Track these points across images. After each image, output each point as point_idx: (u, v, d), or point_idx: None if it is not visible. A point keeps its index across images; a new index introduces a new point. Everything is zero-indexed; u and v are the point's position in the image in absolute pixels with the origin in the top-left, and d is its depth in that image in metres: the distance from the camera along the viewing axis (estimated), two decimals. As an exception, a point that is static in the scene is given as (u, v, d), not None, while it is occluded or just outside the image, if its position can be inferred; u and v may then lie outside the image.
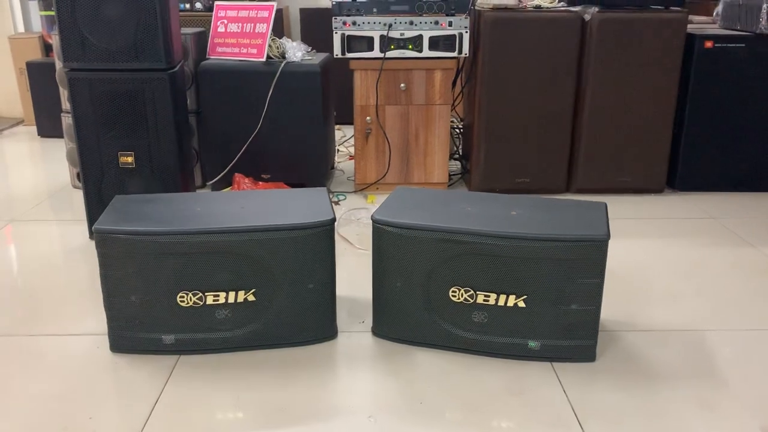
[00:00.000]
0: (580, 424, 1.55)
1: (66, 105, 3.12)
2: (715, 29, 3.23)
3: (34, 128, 4.33)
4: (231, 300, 1.76)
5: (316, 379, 1.71)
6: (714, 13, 3.37)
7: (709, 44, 3.00)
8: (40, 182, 3.37)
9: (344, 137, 4.09)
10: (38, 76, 4.13)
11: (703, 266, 2.40)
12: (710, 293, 2.20)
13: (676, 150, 3.14)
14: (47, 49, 4.49)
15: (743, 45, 2.99)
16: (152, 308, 1.75)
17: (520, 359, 1.79)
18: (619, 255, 2.47)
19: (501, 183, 3.11)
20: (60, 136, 3.97)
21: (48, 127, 4.21)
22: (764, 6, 2.92)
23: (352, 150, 3.83)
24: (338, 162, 3.67)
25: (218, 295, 1.75)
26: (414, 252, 1.75)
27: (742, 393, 1.67)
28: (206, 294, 1.75)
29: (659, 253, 2.51)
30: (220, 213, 1.80)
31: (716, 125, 3.09)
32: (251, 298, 1.77)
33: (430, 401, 1.63)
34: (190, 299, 1.74)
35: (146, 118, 2.43)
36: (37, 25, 4.76)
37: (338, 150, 3.82)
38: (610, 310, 2.06)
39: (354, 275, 2.29)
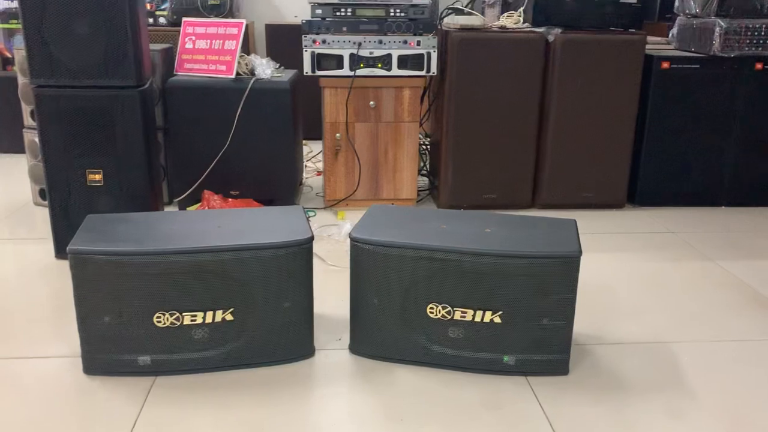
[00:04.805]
0: (556, 436, 1.59)
1: (28, 121, 3.06)
2: (671, 50, 3.36)
3: (-9, 144, 4.22)
4: (208, 320, 1.75)
5: (296, 397, 1.72)
6: (669, 35, 3.50)
7: (665, 65, 3.12)
8: (0, 199, 3.29)
9: (311, 153, 4.09)
10: (-5, 91, 4.03)
11: (665, 280, 2.48)
12: (674, 306, 2.27)
13: (636, 166, 3.25)
14: (4, 63, 4.39)
15: (698, 66, 3.13)
16: (128, 329, 1.73)
17: (496, 374, 1.83)
18: (584, 268, 2.53)
19: (468, 199, 3.16)
20: (19, 151, 3.88)
21: (6, 143, 4.10)
22: (716, 29, 3.06)
23: (319, 166, 3.84)
24: (306, 178, 3.67)
25: (195, 315, 1.74)
26: (392, 269, 1.78)
27: (709, 402, 1.73)
28: (183, 314, 1.73)
29: (623, 267, 2.59)
30: (197, 232, 1.79)
31: (674, 142, 3.21)
32: (229, 317, 1.76)
33: (410, 418, 1.65)
34: (167, 319, 1.73)
35: (115, 136, 2.41)
36: (-7, 38, 4.65)
37: (306, 166, 3.83)
38: (579, 323, 2.11)
39: (327, 292, 2.30)
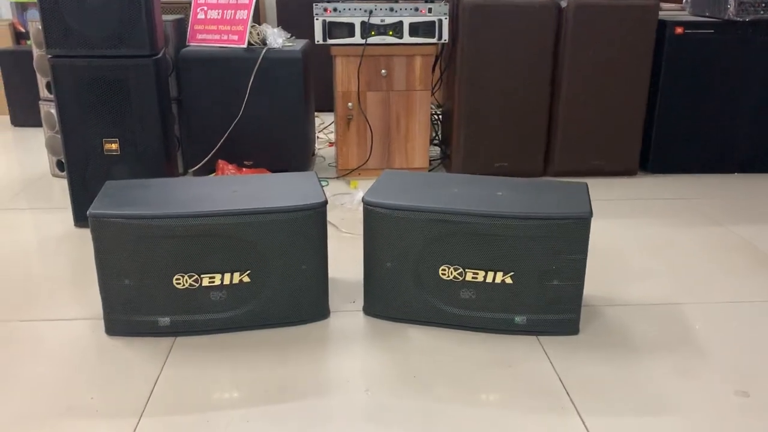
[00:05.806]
0: (567, 393, 1.62)
1: (44, 93, 3.10)
2: (685, 16, 3.33)
3: (7, 118, 4.27)
4: (226, 281, 1.79)
5: (313, 356, 1.76)
6: (683, 0, 3.47)
7: (679, 30, 3.10)
8: (18, 172, 3.34)
9: (323, 124, 4.11)
10: (10, 65, 4.07)
11: (675, 244, 2.50)
12: (683, 269, 2.29)
13: (648, 133, 3.24)
14: (18, 36, 4.42)
15: (712, 31, 3.10)
16: (148, 291, 1.78)
17: (507, 333, 1.86)
18: (596, 234, 2.55)
19: (480, 167, 3.17)
20: (35, 125, 3.94)
21: (22, 117, 4.15)
22: (731, -7, 3.02)
23: (331, 137, 3.86)
24: (318, 148, 3.70)
25: (214, 277, 1.78)
26: (405, 232, 1.81)
27: (717, 361, 1.76)
28: (202, 276, 1.78)
29: (634, 232, 2.60)
30: (214, 197, 1.83)
31: (687, 109, 3.20)
32: (246, 279, 1.80)
33: (423, 375, 1.69)
34: (186, 281, 1.77)
35: (131, 105, 2.44)
36: (7, 13, 4.68)
37: (318, 137, 3.85)
38: (590, 286, 2.14)
39: (341, 258, 2.33)
